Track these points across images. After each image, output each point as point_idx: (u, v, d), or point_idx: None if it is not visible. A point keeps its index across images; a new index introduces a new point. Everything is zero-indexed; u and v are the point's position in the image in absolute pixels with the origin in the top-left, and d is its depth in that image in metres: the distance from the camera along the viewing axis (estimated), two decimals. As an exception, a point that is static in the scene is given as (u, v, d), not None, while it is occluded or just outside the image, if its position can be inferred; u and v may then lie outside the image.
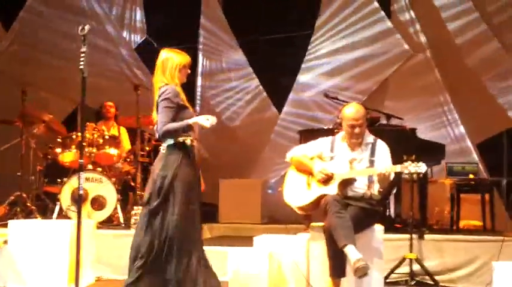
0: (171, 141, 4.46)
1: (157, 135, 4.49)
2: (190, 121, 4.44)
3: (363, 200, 4.91)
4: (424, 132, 7.81)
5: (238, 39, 9.81)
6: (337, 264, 4.70)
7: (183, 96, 4.57)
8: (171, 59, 4.61)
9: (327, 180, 4.92)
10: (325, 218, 4.72)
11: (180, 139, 4.47)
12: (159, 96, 4.48)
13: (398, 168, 4.64)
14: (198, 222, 4.55)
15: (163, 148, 4.50)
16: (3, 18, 9.99)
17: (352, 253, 4.46)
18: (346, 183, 4.91)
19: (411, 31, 9.10)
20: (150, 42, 10.08)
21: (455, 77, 8.86)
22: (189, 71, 4.71)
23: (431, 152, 6.70)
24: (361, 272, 4.39)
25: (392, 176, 4.80)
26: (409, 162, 4.61)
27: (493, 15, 8.80)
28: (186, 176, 4.45)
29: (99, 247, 6.06)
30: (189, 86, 9.84)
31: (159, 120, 4.42)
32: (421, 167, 4.58)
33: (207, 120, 4.42)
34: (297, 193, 5.08)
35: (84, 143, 6.66)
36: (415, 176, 5.52)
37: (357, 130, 4.93)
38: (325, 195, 4.85)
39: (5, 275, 5.55)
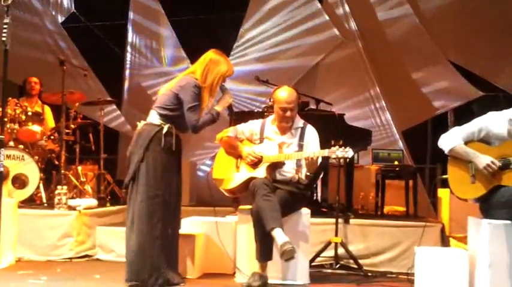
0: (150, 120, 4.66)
1: (190, 130, 4.68)
2: (219, 109, 4.75)
3: (290, 184, 4.95)
4: (352, 119, 7.90)
5: (169, 18, 9.64)
6: (264, 247, 4.72)
7: (204, 97, 4.69)
8: (219, 65, 4.73)
9: (255, 163, 4.93)
10: (254, 201, 4.73)
11: (157, 122, 4.62)
12: (186, 86, 4.62)
13: (326, 153, 4.69)
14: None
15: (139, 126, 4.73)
16: None
17: (279, 236, 4.48)
18: (275, 166, 4.93)
19: (341, 17, 9.16)
20: (78, 17, 9.78)
21: (383, 65, 8.99)
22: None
23: (359, 137, 6.78)
24: (288, 256, 4.41)
25: (320, 161, 4.84)
26: (337, 147, 4.66)
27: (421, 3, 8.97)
28: (160, 163, 4.58)
29: (21, 227, 5.87)
30: (117, 65, 9.75)
31: (192, 118, 4.58)
32: (348, 152, 4.64)
33: (230, 98, 4.83)
34: (226, 175, 5.07)
35: (5, 119, 6.41)
36: (342, 161, 5.60)
37: (288, 113, 4.94)
38: (253, 178, 4.85)
39: None
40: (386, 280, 5.49)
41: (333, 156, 4.67)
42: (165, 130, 4.59)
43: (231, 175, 5.05)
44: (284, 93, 4.98)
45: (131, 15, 9.77)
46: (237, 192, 5.11)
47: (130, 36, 9.80)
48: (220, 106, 4.78)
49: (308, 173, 4.92)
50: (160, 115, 4.65)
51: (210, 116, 4.68)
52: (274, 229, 4.51)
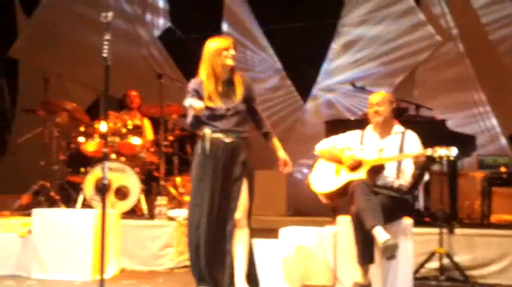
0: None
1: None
2: (186, 103, 4.39)
3: (391, 190, 4.82)
4: (454, 124, 7.62)
5: (262, 27, 9.67)
6: (365, 249, 4.58)
7: (207, 87, 4.50)
8: (206, 47, 4.56)
9: (356, 166, 4.84)
10: (353, 203, 4.61)
11: (201, 132, 4.54)
12: None
13: (428, 151, 4.55)
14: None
15: None
16: (25, 6, 9.93)
17: (380, 233, 4.36)
18: (376, 170, 4.83)
19: (440, 19, 8.91)
20: (174, 30, 9.98)
21: (486, 68, 8.68)
22: (233, 53, 4.55)
23: (462, 143, 6.49)
24: (391, 252, 4.28)
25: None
26: (439, 146, 4.49)
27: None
28: (195, 170, 4.53)
29: (123, 238, 6.00)
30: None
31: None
32: (452, 151, 4.44)
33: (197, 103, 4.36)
34: (325, 179, 5.01)
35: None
36: (445, 166, 5.40)
37: (375, 109, 4.94)
38: (353, 181, 4.74)
39: (28, 265, 5.52)
40: (495, 292, 5.26)
41: (435, 155, 4.49)
42: (201, 134, 4.52)
43: (330, 179, 4.98)
44: (372, 96, 5.04)
45: (225, 26, 9.86)
46: (335, 196, 5.00)
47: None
48: (190, 103, 4.40)
49: (417, 171, 4.77)
50: None
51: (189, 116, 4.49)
52: (375, 227, 4.38)
